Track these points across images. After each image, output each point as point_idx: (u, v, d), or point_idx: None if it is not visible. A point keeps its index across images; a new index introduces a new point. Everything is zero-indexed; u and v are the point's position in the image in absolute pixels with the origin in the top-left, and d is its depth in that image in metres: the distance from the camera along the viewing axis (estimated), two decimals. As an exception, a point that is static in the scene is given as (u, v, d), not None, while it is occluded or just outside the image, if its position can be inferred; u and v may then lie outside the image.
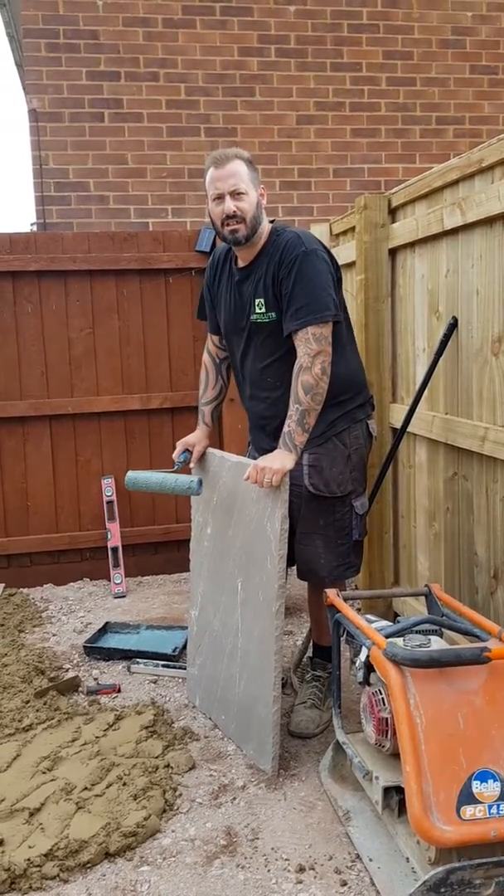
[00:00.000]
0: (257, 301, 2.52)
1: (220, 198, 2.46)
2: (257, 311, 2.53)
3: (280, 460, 2.34)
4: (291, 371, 2.51)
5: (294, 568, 2.74)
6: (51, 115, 5.64)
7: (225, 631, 2.68)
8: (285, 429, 2.39)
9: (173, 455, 2.81)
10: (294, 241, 2.47)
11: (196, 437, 2.83)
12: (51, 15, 5.56)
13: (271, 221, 2.60)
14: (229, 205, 2.44)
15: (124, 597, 4.14)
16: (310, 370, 2.38)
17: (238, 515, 2.59)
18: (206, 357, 2.94)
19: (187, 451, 2.80)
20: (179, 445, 2.81)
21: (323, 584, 2.61)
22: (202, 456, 2.81)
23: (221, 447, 3.89)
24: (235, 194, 2.44)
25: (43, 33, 5.57)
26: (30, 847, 2.08)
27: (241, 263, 2.60)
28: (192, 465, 2.81)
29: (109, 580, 4.25)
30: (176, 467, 2.77)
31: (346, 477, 2.61)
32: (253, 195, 2.47)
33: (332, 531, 2.63)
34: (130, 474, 2.73)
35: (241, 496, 2.56)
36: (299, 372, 2.39)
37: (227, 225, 2.46)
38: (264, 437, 2.72)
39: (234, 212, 2.44)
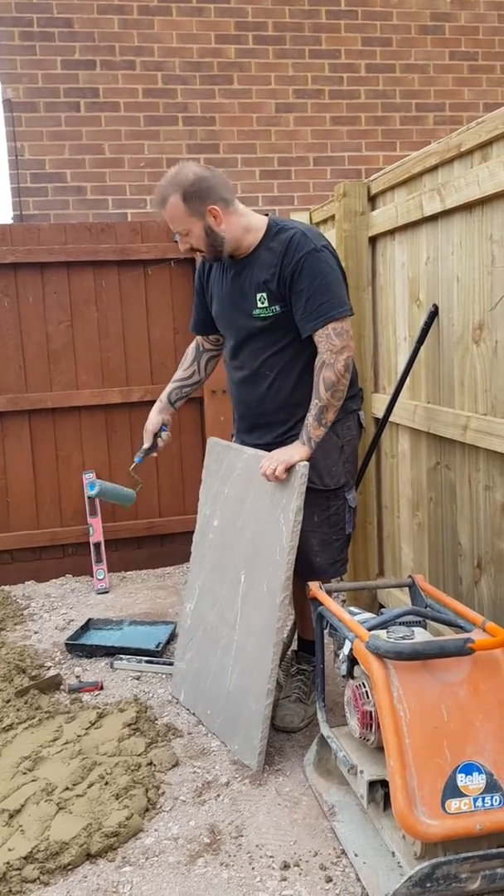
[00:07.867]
0: (259, 296, 2.49)
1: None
2: (259, 305, 2.49)
3: (289, 452, 2.37)
4: (287, 363, 2.51)
5: None
6: (26, 104, 5.54)
7: (221, 623, 2.65)
8: (304, 422, 2.41)
9: (138, 453, 2.92)
10: (301, 239, 2.43)
11: (155, 420, 2.89)
12: (24, 3, 5.45)
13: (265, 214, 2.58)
14: (181, 246, 2.50)
15: (107, 592, 4.10)
16: (332, 367, 2.37)
17: (249, 507, 2.58)
18: (191, 344, 2.96)
19: (163, 427, 2.88)
20: (148, 434, 2.88)
21: (316, 580, 2.58)
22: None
23: (203, 439, 3.86)
24: (181, 235, 2.47)
25: (16, 21, 5.47)
26: (9, 850, 2.04)
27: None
28: (164, 438, 2.89)
29: (92, 576, 4.20)
30: (137, 461, 2.92)
31: (340, 469, 2.60)
32: (197, 228, 2.43)
33: (326, 527, 2.61)
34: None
35: (255, 488, 2.55)
36: (321, 368, 2.38)
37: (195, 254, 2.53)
38: (251, 430, 2.69)
39: (188, 250, 2.50)
